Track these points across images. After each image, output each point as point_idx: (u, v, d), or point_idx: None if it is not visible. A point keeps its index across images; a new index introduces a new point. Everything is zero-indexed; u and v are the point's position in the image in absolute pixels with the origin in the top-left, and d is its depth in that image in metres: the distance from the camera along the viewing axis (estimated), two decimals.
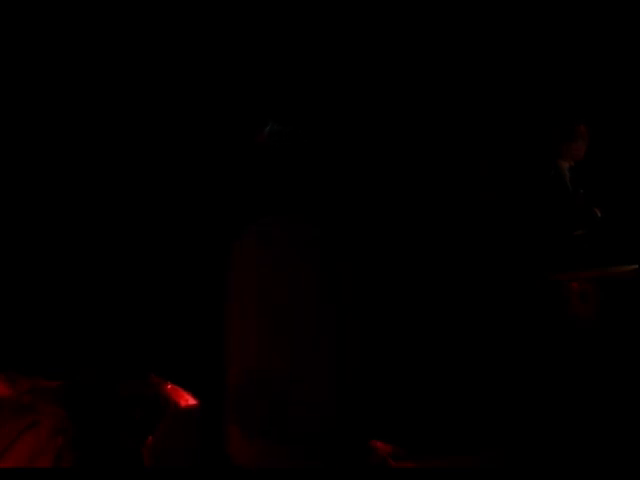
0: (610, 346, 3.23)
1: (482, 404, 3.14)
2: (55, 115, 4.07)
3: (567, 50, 3.85)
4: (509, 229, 3.53)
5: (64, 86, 4.04)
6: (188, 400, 3.50)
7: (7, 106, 4.05)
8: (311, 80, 3.46)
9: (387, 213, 3.44)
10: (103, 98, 4.05)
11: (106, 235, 3.88)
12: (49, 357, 3.73)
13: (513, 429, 3.02)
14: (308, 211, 2.87)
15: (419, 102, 3.68)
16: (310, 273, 2.80)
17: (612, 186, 3.80)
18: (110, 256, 3.85)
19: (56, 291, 3.87)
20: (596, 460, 2.96)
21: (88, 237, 3.87)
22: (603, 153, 3.81)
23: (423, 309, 3.27)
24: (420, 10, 3.60)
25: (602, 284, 3.35)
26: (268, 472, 2.75)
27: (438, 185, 3.65)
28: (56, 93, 4.04)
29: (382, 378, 3.10)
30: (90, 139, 4.10)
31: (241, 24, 3.70)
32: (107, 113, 4.06)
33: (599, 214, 3.78)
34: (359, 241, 2.83)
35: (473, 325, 3.29)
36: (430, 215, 3.53)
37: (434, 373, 3.23)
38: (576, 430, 3.03)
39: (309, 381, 2.75)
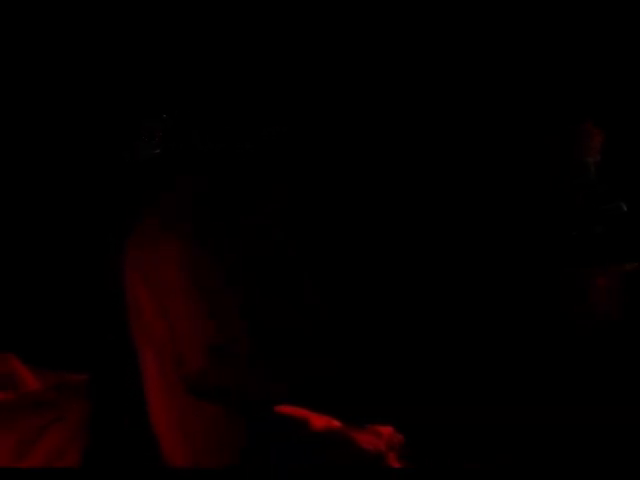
0: (631, 341, 3.19)
1: (494, 402, 3.10)
2: None
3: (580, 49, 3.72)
4: (533, 221, 3.46)
5: None
6: None
7: None
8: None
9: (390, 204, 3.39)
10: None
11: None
12: (73, 350, 3.73)
13: (526, 428, 2.99)
14: None
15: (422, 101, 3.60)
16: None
17: (633, 181, 3.69)
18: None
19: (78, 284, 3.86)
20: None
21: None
22: (623, 148, 3.69)
23: (434, 304, 3.24)
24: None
25: (624, 278, 3.29)
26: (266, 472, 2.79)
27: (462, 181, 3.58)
28: None
29: (383, 371, 3.10)
30: None
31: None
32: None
33: (625, 209, 3.68)
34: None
35: (489, 319, 3.25)
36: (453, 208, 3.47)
37: (442, 369, 3.19)
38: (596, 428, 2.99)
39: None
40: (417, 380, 3.08)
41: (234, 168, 3.00)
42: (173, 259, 2.88)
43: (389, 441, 3.27)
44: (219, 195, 2.96)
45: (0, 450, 3.31)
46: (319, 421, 2.98)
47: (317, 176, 3.06)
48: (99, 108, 3.57)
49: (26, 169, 3.84)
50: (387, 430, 3.22)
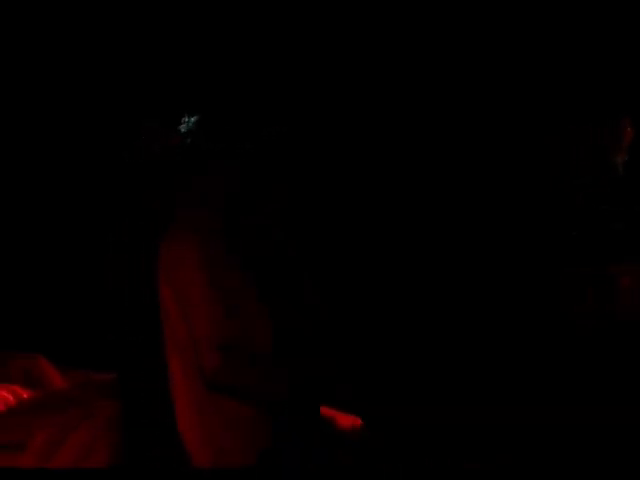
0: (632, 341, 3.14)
1: (494, 402, 3.08)
2: None
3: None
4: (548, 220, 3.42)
5: None
6: None
7: None
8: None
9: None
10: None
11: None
12: (100, 348, 3.78)
13: (526, 428, 2.97)
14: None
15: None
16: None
17: None
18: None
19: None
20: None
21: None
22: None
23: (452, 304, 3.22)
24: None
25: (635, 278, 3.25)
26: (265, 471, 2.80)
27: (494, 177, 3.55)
28: None
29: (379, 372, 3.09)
30: None
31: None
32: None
33: None
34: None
35: (489, 319, 3.22)
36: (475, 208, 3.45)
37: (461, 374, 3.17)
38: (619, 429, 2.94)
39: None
40: (417, 380, 3.06)
41: (234, 168, 3.01)
42: (189, 260, 2.90)
43: None
44: (222, 196, 2.97)
45: (30, 447, 3.35)
46: (345, 420, 2.99)
47: (317, 176, 3.05)
48: (104, 110, 3.61)
49: (47, 177, 3.91)
50: None
